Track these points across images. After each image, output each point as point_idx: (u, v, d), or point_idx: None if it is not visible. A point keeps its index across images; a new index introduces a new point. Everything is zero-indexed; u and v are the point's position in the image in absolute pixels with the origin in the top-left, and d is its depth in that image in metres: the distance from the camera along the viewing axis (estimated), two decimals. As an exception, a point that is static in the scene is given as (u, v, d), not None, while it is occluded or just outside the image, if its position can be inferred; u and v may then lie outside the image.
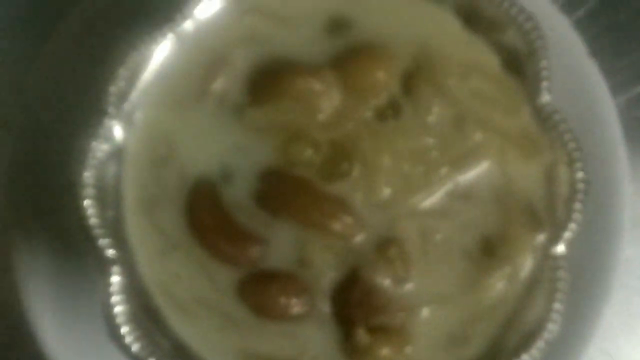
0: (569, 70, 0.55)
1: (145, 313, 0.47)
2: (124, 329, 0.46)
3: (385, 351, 0.47)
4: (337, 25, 0.49)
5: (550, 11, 0.58)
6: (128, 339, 0.46)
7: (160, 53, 0.49)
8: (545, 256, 0.48)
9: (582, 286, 0.53)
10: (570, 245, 0.47)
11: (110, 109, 0.47)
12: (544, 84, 0.48)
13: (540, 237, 0.48)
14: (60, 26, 0.56)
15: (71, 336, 0.55)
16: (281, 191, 0.47)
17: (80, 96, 0.50)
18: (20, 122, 0.56)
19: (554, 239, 0.47)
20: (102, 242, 0.46)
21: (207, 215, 0.48)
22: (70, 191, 0.47)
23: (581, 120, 0.53)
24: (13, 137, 0.58)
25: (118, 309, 0.46)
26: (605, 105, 0.57)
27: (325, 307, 0.48)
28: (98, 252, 0.47)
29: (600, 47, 0.63)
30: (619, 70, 0.67)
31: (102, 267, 0.47)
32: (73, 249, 0.52)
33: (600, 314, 0.56)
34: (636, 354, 0.67)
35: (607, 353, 0.66)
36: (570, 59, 0.56)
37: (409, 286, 0.48)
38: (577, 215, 0.47)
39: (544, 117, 0.48)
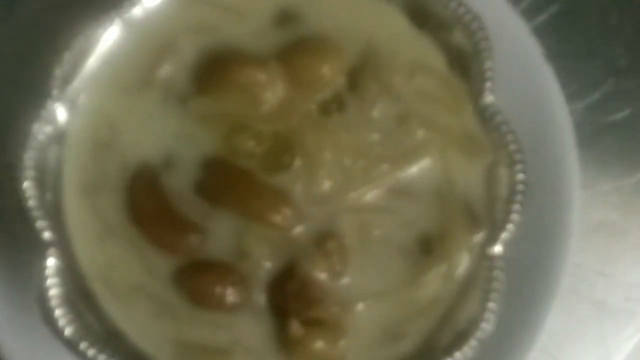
0: (523, 73, 0.55)
1: (81, 297, 0.47)
2: (58, 312, 0.45)
3: (318, 344, 0.47)
4: (285, 17, 0.49)
5: (507, 15, 0.58)
6: (61, 322, 0.45)
7: (108, 38, 0.49)
8: (481, 256, 0.48)
9: (526, 289, 0.53)
10: (507, 245, 0.47)
11: (55, 92, 0.47)
12: (488, 84, 0.48)
13: (478, 237, 0.48)
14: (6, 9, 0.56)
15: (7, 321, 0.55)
16: (222, 181, 0.48)
17: (25, 79, 0.49)
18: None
19: (491, 239, 0.48)
20: (40, 224, 0.46)
21: (147, 202, 0.48)
22: (8, 172, 0.46)
23: (533, 123, 0.53)
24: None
25: (52, 292, 0.46)
26: (558, 109, 0.57)
27: (261, 298, 0.48)
28: (35, 235, 0.46)
29: (559, 53, 0.63)
30: (578, 77, 0.67)
31: (39, 250, 0.46)
32: (9, 233, 0.51)
33: (544, 317, 0.56)
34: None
35: (553, 357, 0.67)
36: (525, 62, 0.56)
37: (345, 280, 0.48)
38: (514, 217, 0.47)
39: (486, 118, 0.48)
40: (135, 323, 0.48)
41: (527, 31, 0.59)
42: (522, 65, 0.56)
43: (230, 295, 0.47)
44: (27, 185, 0.46)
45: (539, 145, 0.51)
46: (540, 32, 0.62)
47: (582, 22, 0.69)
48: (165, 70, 0.49)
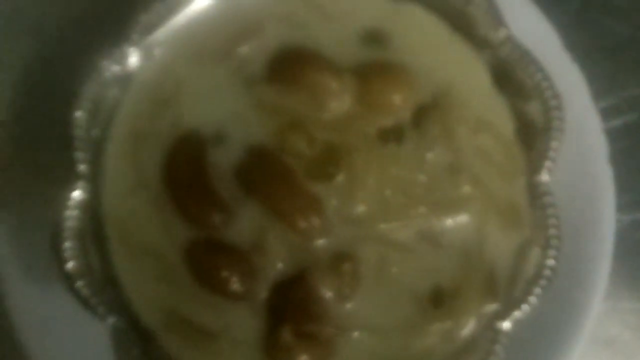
0: (584, 167, 0.55)
1: (92, 238, 0.47)
2: (67, 244, 0.45)
3: (303, 357, 0.46)
4: (374, 36, 0.50)
5: (586, 106, 0.57)
6: (67, 254, 0.46)
7: (201, 1, 0.49)
8: (488, 327, 0.47)
9: None
10: (516, 325, 0.47)
11: (134, 36, 0.48)
12: (548, 163, 0.47)
13: (491, 307, 0.47)
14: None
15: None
16: (263, 171, 0.48)
17: (111, 16, 0.50)
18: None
19: (502, 314, 0.47)
20: (78, 155, 0.46)
21: (185, 168, 0.48)
22: (68, 101, 0.47)
23: (579, 216, 0.53)
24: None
25: (68, 223, 0.46)
26: (606, 212, 0.57)
27: (263, 295, 0.47)
28: (70, 165, 0.47)
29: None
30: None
31: (69, 180, 0.47)
32: (46, 159, 0.52)
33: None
34: None
35: None
36: (589, 158, 0.56)
37: (349, 306, 0.47)
38: (533, 299, 0.47)
39: (536, 195, 0.48)
40: (135, 279, 0.47)
41: (599, 129, 0.59)
42: (586, 159, 0.55)
43: (235, 283, 0.47)
44: (79, 114, 0.47)
45: (577, 238, 0.50)
46: (610, 137, 0.62)
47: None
48: (244, 50, 0.49)
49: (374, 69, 0.49)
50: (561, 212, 0.48)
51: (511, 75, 0.49)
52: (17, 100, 0.56)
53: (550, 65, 0.48)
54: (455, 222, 0.48)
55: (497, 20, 0.48)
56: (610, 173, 0.58)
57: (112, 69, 0.48)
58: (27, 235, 0.52)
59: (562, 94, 0.48)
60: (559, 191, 0.49)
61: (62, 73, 0.49)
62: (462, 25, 0.49)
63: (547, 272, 0.47)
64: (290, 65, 0.48)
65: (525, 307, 0.47)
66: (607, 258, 0.56)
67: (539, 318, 0.51)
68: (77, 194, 0.47)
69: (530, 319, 0.49)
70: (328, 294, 0.47)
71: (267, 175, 0.48)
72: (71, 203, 0.46)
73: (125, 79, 0.48)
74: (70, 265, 0.46)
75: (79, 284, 0.46)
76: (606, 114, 0.66)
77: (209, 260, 0.47)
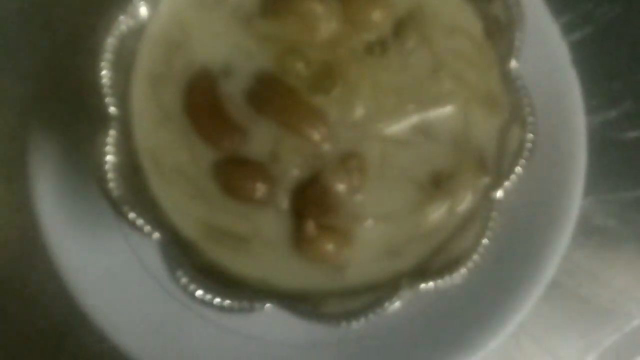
0: (547, 55, 0.62)
1: (131, 169, 0.54)
2: (110, 175, 0.52)
3: (328, 246, 0.53)
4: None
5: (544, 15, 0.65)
6: (111, 185, 0.52)
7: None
8: (484, 198, 0.54)
9: (529, 236, 0.61)
10: (507, 193, 0.54)
11: (140, -10, 0.54)
12: (515, 51, 0.54)
13: (484, 181, 0.54)
14: None
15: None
16: (269, 93, 0.54)
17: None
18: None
19: (495, 185, 0.54)
20: (109, 100, 0.53)
21: (202, 99, 0.55)
22: (92, 55, 0.54)
23: (548, 93, 0.60)
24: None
25: (108, 158, 0.52)
26: (572, 86, 0.63)
27: (284, 199, 0.54)
28: (102, 110, 0.53)
29: (586, 69, 0.69)
30: (599, 94, 0.74)
31: (103, 122, 0.53)
32: (81, 106, 0.59)
33: (539, 271, 0.62)
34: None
35: (535, 340, 0.72)
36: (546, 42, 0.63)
37: (360, 197, 0.54)
38: (519, 169, 0.53)
39: (509, 81, 0.55)
40: (172, 200, 0.54)
41: (559, 35, 0.66)
42: (550, 61, 0.62)
43: (259, 190, 0.54)
44: (103, 65, 0.53)
45: (551, 111, 0.57)
46: (572, 47, 0.69)
47: (613, 45, 0.75)
48: (235, -7, 0.56)
49: (353, -10, 0.55)
50: (532, 92, 0.55)
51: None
52: (50, 55, 0.63)
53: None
54: (443, 114, 0.55)
55: None
56: (574, 73, 0.66)
57: (127, 22, 0.54)
58: (70, 183, 0.59)
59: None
60: (528, 76, 0.56)
61: (85, 29, 0.56)
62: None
63: (528, 145, 0.54)
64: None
65: (513, 177, 0.54)
66: (582, 145, 0.63)
67: (528, 201, 0.59)
68: (112, 133, 0.53)
69: (521, 203, 0.56)
70: (340, 188, 0.54)
71: (274, 95, 0.54)
72: (109, 141, 0.53)
73: (139, 29, 0.55)
74: (115, 194, 0.52)
75: (125, 208, 0.52)
76: (565, 29, 0.73)
77: (234, 174, 0.54)
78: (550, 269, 0.60)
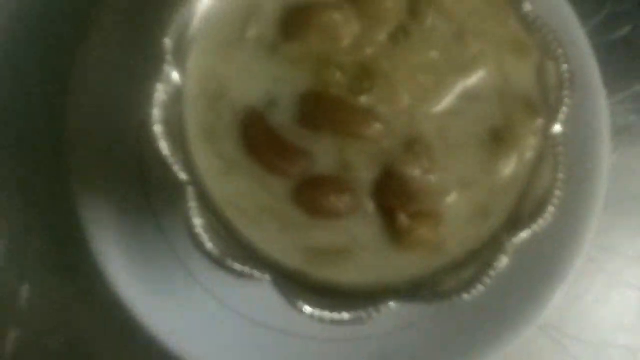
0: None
1: (219, 224, 0.55)
2: (204, 237, 0.54)
3: (423, 230, 0.55)
4: (347, -34, 0.58)
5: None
6: (209, 247, 0.54)
7: (203, 5, 0.57)
8: (545, 136, 0.57)
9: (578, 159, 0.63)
10: (563, 124, 0.57)
11: (168, 57, 0.55)
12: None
13: (539, 122, 0.57)
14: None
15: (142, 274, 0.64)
16: (319, 109, 0.56)
17: (142, 48, 0.58)
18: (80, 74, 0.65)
19: (550, 122, 0.57)
20: (176, 168, 0.54)
21: (258, 138, 0.56)
22: (144, 129, 0.55)
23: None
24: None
25: (196, 222, 0.54)
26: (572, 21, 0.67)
27: (368, 202, 0.56)
28: (172, 178, 0.55)
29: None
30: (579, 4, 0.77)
31: (179, 190, 0.55)
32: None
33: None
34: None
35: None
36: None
37: (435, 175, 0.56)
38: (566, 100, 0.56)
39: (529, 23, 0.57)
40: (266, 238, 0.56)
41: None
42: None
43: (342, 202, 0.56)
44: (158, 137, 0.55)
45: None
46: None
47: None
48: (255, 27, 0.57)
49: (361, -10, 0.57)
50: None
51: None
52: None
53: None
54: (480, 74, 0.58)
55: None
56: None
57: (165, 90, 0.55)
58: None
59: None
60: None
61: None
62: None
63: (566, 75, 0.57)
64: (297, 20, 0.57)
65: (564, 109, 0.57)
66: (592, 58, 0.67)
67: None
68: (191, 198, 0.54)
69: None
70: (415, 174, 0.56)
71: (323, 110, 0.56)
72: (191, 205, 0.54)
73: (178, 93, 0.56)
74: (215, 253, 0.54)
75: (229, 262, 0.54)
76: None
77: (314, 195, 0.56)
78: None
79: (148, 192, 0.65)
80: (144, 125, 0.55)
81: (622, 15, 0.78)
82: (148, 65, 0.56)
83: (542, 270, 0.65)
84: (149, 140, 0.55)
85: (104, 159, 0.65)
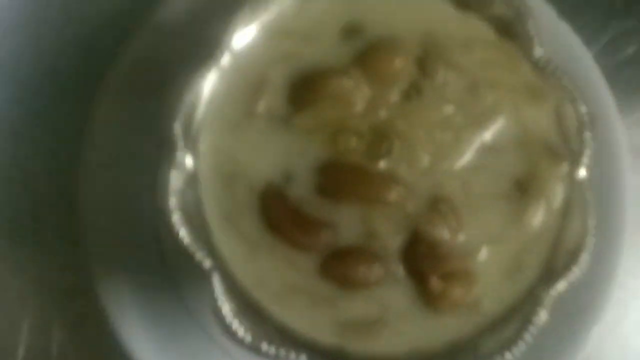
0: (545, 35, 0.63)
1: (248, 307, 0.54)
2: (235, 325, 0.52)
3: (457, 291, 0.54)
4: (350, 31, 0.57)
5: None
6: (240, 333, 0.52)
7: (209, 86, 0.56)
8: (571, 183, 0.55)
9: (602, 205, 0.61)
10: (588, 168, 0.55)
11: (179, 143, 0.54)
12: (535, 40, 0.56)
13: (563, 168, 0.56)
14: (107, 81, 0.65)
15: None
16: (338, 179, 0.55)
17: (153, 134, 0.57)
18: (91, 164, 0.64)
19: (575, 166, 0.55)
20: (199, 256, 0.53)
21: (280, 215, 0.55)
22: (163, 218, 0.54)
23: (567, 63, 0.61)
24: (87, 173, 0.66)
25: (225, 309, 0.53)
26: (582, 54, 0.66)
27: (398, 269, 0.55)
28: (196, 266, 0.54)
29: (561, 12, 0.72)
30: (585, 27, 0.76)
31: (204, 277, 0.53)
32: (154, 275, 0.59)
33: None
34: None
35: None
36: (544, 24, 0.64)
37: (463, 234, 0.55)
38: (588, 142, 0.55)
39: (541, 68, 0.56)
40: (297, 318, 0.54)
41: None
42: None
43: (372, 272, 0.54)
44: (178, 226, 0.53)
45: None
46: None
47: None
48: (264, 101, 0.56)
49: (369, 52, 0.56)
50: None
51: None
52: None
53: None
54: (498, 125, 0.56)
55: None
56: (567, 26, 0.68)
57: (179, 177, 0.54)
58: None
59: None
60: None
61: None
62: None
63: (585, 117, 0.56)
64: (307, 89, 0.56)
65: (587, 152, 0.55)
66: (604, 86, 0.65)
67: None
68: (217, 283, 0.53)
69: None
70: (444, 234, 0.55)
71: (342, 180, 0.55)
72: (217, 292, 0.53)
73: (193, 179, 0.55)
74: (247, 338, 0.53)
75: (264, 347, 0.53)
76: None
77: (343, 268, 0.54)
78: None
79: (171, 276, 0.64)
80: (162, 213, 0.54)
81: (627, 33, 0.77)
82: (159, 150, 0.55)
83: (575, 313, 0.64)
84: (169, 229, 0.53)
85: (123, 247, 0.64)
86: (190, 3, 0.65)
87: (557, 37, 0.66)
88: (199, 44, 0.57)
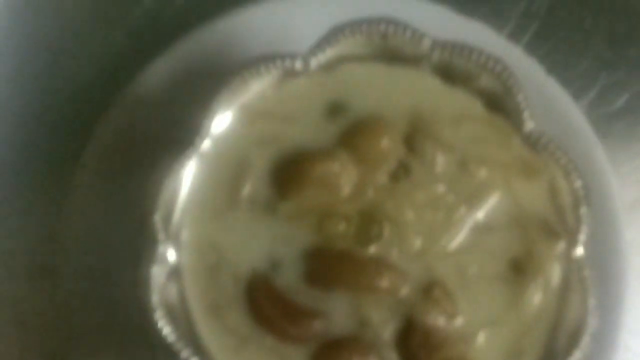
0: (534, 92, 0.61)
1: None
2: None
3: (455, 380, 0.52)
4: (334, 109, 0.55)
5: (499, 42, 0.65)
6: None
7: (189, 174, 0.54)
8: (568, 261, 0.53)
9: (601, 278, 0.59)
10: (586, 246, 0.53)
11: (160, 236, 0.52)
12: (525, 114, 0.54)
13: (560, 246, 0.54)
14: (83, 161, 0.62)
15: None
16: (327, 266, 0.53)
17: (130, 227, 0.55)
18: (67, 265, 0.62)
19: (572, 244, 0.53)
20: (184, 354, 0.51)
21: (267, 306, 0.53)
22: (145, 314, 0.51)
23: (556, 133, 0.59)
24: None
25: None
26: (573, 113, 0.64)
27: (392, 355, 0.53)
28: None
29: (553, 63, 0.70)
30: (573, 79, 0.74)
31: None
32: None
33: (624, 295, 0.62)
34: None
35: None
36: (533, 82, 0.63)
37: (459, 319, 0.53)
38: (585, 218, 0.53)
39: (533, 142, 0.54)
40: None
41: (523, 53, 0.66)
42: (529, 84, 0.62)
43: (367, 362, 0.52)
44: (162, 323, 0.51)
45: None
46: (528, 51, 0.69)
47: (563, 31, 0.75)
48: (248, 187, 0.54)
49: (353, 133, 0.54)
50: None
51: (454, 67, 0.55)
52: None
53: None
54: (491, 203, 0.54)
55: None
56: (554, 82, 0.66)
57: (161, 272, 0.52)
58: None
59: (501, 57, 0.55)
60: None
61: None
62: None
63: (581, 193, 0.54)
64: (291, 174, 0.53)
65: (584, 228, 0.53)
66: (597, 144, 0.64)
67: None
68: None
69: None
70: (439, 321, 0.53)
71: (331, 267, 0.53)
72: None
73: (175, 272, 0.53)
74: None
75: None
76: (514, 36, 0.73)
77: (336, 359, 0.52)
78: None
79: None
80: (145, 309, 0.51)
81: (618, 84, 0.75)
82: (140, 239, 0.52)
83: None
84: (152, 326, 0.51)
85: (107, 339, 0.61)
86: (166, 82, 0.62)
87: (545, 94, 0.63)
88: (177, 127, 0.55)
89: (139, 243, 0.54)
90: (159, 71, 0.63)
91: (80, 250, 0.62)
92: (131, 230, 0.55)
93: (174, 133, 0.55)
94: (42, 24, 0.71)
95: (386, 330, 0.53)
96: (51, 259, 0.65)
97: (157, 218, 0.52)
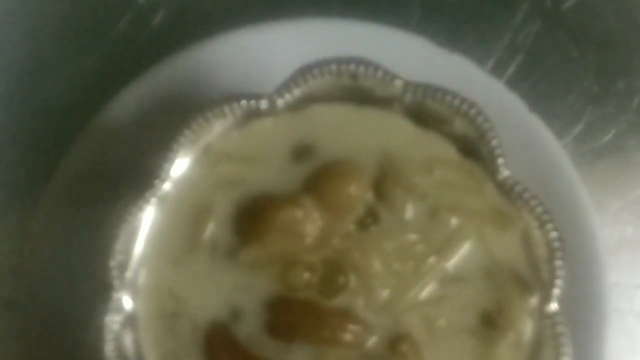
0: (516, 129, 0.59)
1: None
2: None
3: None
4: (301, 152, 0.53)
5: (481, 76, 0.62)
6: None
7: (147, 218, 0.52)
8: (542, 316, 0.51)
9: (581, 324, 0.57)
10: (561, 301, 0.51)
11: (115, 282, 0.50)
12: (500, 160, 0.52)
13: (533, 300, 0.51)
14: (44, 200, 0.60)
15: None
16: (288, 317, 0.51)
17: (83, 274, 0.53)
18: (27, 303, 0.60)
19: (545, 299, 0.51)
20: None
21: (226, 357, 0.51)
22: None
23: (536, 172, 0.57)
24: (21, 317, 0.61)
25: None
26: (555, 151, 0.62)
27: (356, 414, 0.50)
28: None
29: (537, 97, 0.68)
30: (559, 114, 0.72)
31: None
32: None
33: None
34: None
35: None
36: (515, 118, 0.61)
37: (426, 374, 0.51)
38: (560, 272, 0.51)
39: (507, 190, 0.52)
40: None
41: (505, 89, 0.64)
42: (513, 121, 0.60)
43: (330, 419, 0.50)
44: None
45: (549, 191, 0.55)
46: (512, 84, 0.67)
47: (548, 63, 0.73)
48: (208, 232, 0.52)
49: (320, 178, 0.52)
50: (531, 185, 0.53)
51: (427, 110, 0.53)
52: None
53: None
54: (462, 253, 0.52)
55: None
56: (538, 119, 0.64)
57: (116, 320, 0.50)
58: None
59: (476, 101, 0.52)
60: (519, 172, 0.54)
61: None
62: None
63: (556, 245, 0.51)
64: (253, 220, 0.51)
65: (558, 283, 0.51)
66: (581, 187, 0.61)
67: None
68: None
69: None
70: (405, 376, 0.50)
71: (294, 318, 0.51)
72: None
73: (131, 319, 0.51)
74: None
75: None
76: (497, 71, 0.71)
77: (298, 417, 0.50)
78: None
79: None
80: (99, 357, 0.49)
81: (604, 119, 0.73)
82: (97, 284, 0.50)
83: None
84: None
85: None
86: (132, 114, 0.60)
87: (526, 132, 0.61)
88: (138, 166, 0.53)
89: (96, 285, 0.51)
90: (126, 103, 0.61)
91: (43, 283, 0.60)
92: (92, 268, 0.53)
93: (135, 171, 0.53)
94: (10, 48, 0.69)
95: (349, 386, 0.50)
96: (13, 292, 0.63)
97: (113, 264, 0.50)
